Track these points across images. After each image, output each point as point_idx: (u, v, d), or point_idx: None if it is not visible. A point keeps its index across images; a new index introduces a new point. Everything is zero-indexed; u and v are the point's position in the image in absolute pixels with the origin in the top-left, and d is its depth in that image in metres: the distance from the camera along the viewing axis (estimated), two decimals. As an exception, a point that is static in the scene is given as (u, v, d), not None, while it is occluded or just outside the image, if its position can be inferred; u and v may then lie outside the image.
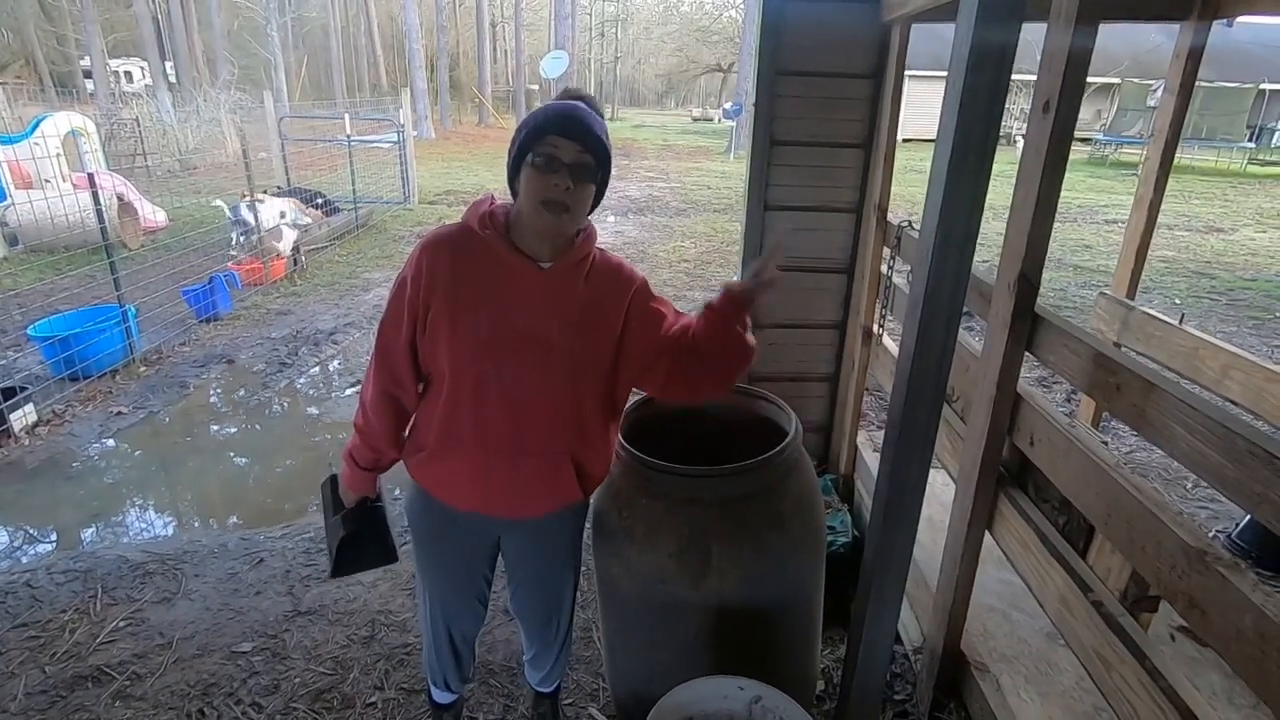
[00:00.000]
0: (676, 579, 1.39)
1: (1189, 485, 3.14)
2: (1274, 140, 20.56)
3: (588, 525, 1.55)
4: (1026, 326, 1.35)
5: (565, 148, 1.19)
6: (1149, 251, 2.31)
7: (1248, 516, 2.55)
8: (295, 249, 6.28)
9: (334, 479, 1.50)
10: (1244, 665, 0.84)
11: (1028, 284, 1.31)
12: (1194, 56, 2.06)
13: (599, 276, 1.31)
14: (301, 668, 2.07)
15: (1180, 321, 2.08)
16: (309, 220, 7.33)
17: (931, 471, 2.51)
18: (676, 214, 9.86)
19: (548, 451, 1.32)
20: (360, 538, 1.46)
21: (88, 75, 24.42)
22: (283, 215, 6.53)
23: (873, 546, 1.21)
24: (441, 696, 1.73)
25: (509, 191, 1.30)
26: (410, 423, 1.40)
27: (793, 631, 1.52)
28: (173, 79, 23.11)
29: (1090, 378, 1.18)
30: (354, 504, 1.46)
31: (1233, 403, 1.86)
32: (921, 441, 1.08)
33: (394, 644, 2.16)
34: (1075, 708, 1.61)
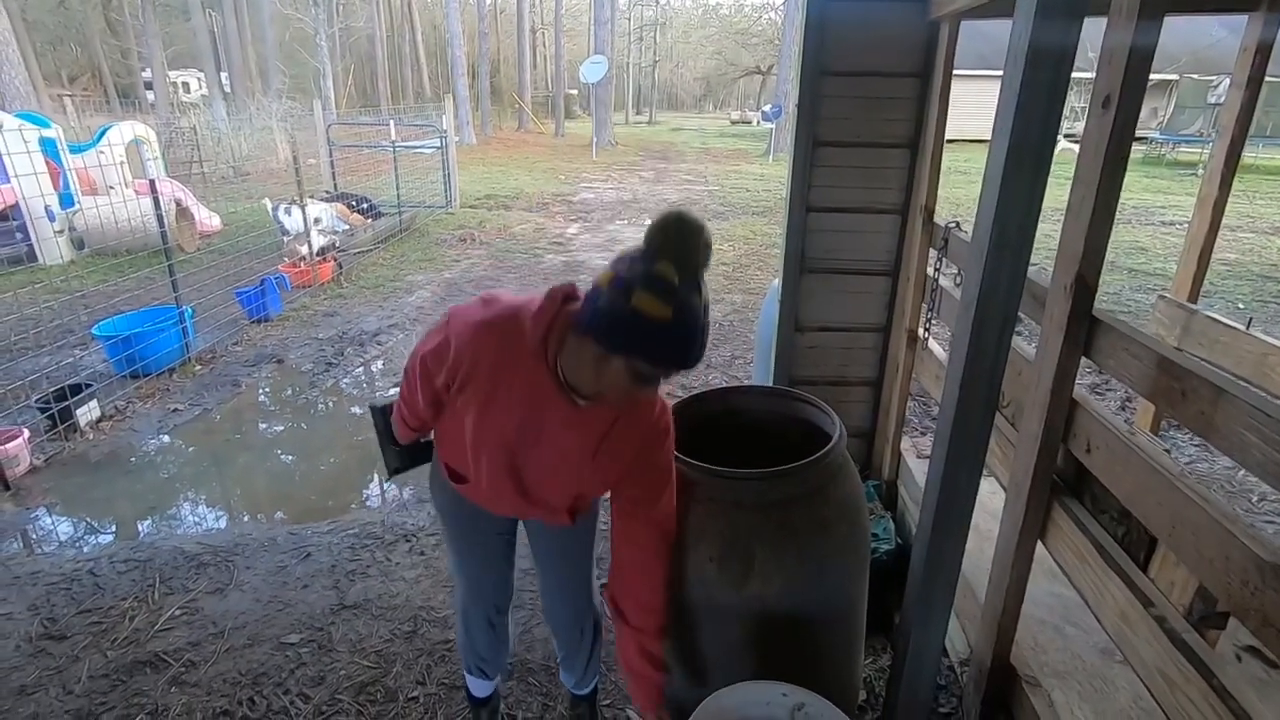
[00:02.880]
0: (718, 582, 1.38)
1: (1254, 499, 3.00)
2: (1346, 137, 19.48)
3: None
4: (1083, 330, 1.30)
5: (666, 377, 1.15)
6: (1212, 254, 2.21)
7: (1320, 532, 2.41)
8: (322, 252, 6.40)
9: (384, 410, 1.55)
10: (1324, 688, 0.79)
11: (1085, 286, 1.27)
12: (1263, 49, 1.97)
13: (628, 419, 1.27)
14: (346, 660, 2.11)
15: (1248, 326, 1.98)
16: (347, 226, 7.50)
17: (982, 482, 2.44)
18: (715, 217, 9.82)
19: (552, 508, 1.41)
20: (410, 464, 1.58)
21: (149, 86, 25.49)
22: (317, 221, 6.68)
23: (921, 554, 1.18)
24: (479, 688, 1.75)
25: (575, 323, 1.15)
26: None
27: (835, 639, 1.50)
28: (227, 89, 23.96)
29: (1153, 383, 1.13)
30: (406, 441, 1.53)
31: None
32: (973, 447, 1.05)
33: (435, 640, 2.19)
34: (1133, 727, 1.55)
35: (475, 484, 1.40)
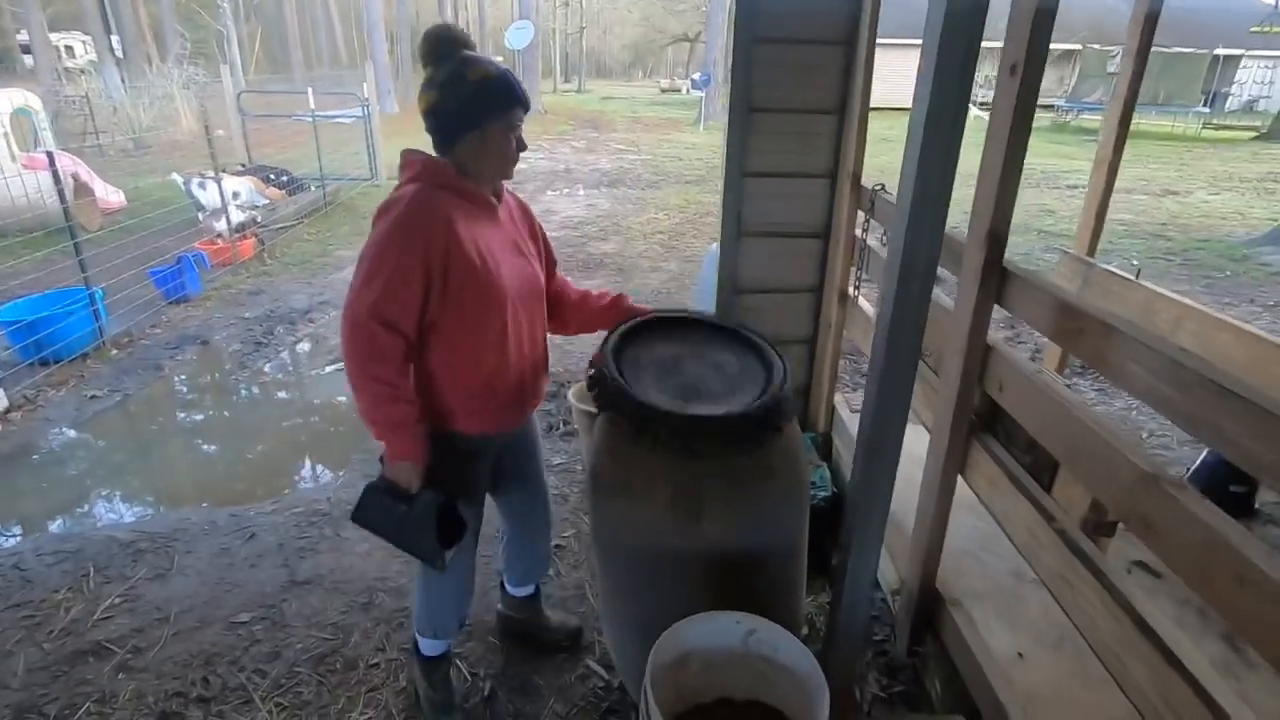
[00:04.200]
0: (671, 528, 1.46)
1: (1145, 435, 3.32)
2: (1228, 105, 21.12)
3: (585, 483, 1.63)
4: (995, 280, 1.43)
5: (522, 117, 1.42)
6: (1108, 213, 2.41)
7: (1199, 460, 2.71)
8: (242, 228, 6.10)
9: (371, 493, 1.44)
10: (1192, 575, 0.94)
11: (997, 239, 1.39)
12: (1151, 19, 2.15)
13: (511, 200, 1.58)
14: (302, 634, 2.11)
15: (1137, 276, 2.19)
16: (266, 200, 7.14)
17: (911, 429, 2.61)
18: (649, 186, 9.85)
19: (544, 347, 1.63)
20: (449, 504, 1.46)
21: (26, 50, 23.23)
22: (236, 195, 6.34)
23: (857, 488, 1.29)
24: (438, 647, 1.81)
25: (435, 146, 1.42)
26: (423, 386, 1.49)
27: (780, 576, 1.61)
28: (119, 54, 22.10)
29: (1055, 325, 1.27)
30: (423, 478, 1.44)
31: (1184, 351, 1.98)
32: (902, 386, 1.16)
33: (392, 608, 2.21)
34: (1041, 637, 1.73)
35: (508, 378, 1.49)
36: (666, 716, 1.29)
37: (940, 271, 1.41)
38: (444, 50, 1.35)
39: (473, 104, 1.34)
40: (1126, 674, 1.06)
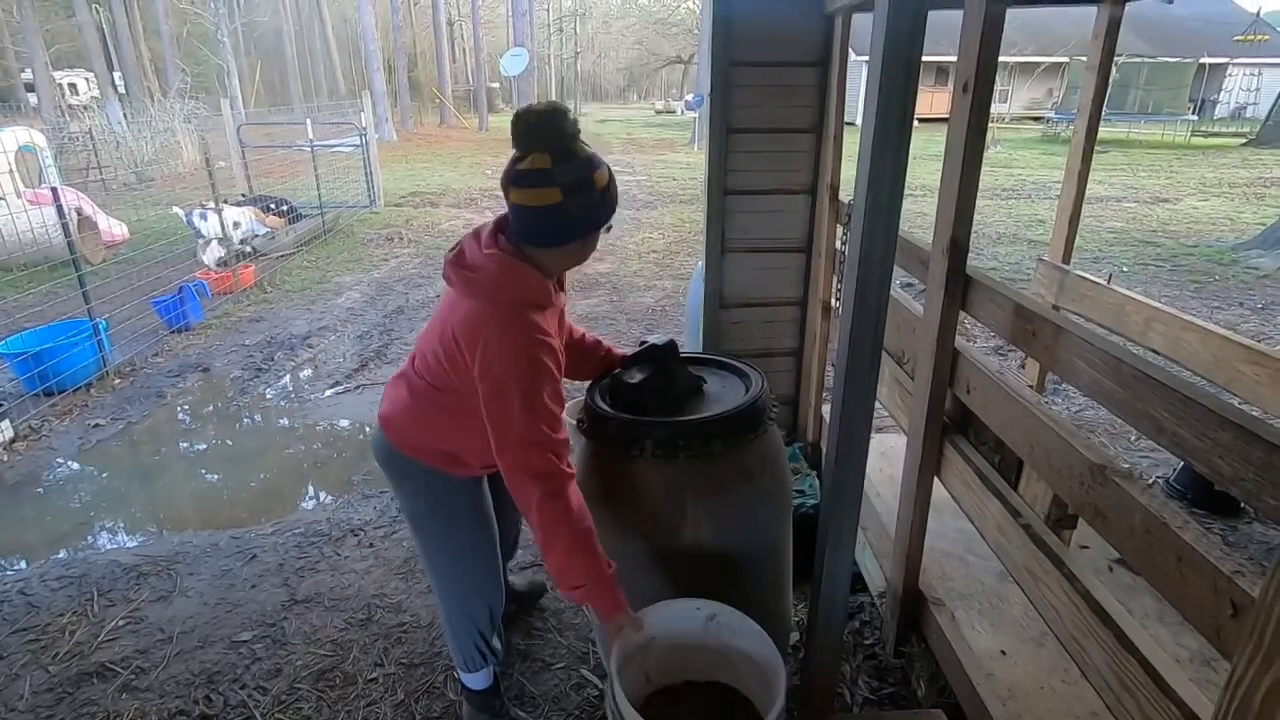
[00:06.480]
0: (656, 532, 1.51)
1: (1133, 438, 3.35)
2: (1215, 112, 21.35)
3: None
4: (960, 287, 1.49)
5: None
6: (1092, 221, 2.48)
7: (1183, 462, 2.75)
8: (244, 257, 6.19)
9: None
10: (1136, 557, 0.98)
11: (958, 247, 1.45)
12: (1111, 34, 2.23)
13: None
14: (302, 651, 2.15)
15: (1108, 281, 2.25)
16: (266, 229, 7.25)
17: (892, 436, 2.66)
18: (644, 206, 9.98)
19: None
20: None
21: (30, 88, 23.68)
22: (237, 225, 6.45)
23: (829, 484, 1.34)
24: (483, 680, 1.81)
25: (530, 240, 1.32)
26: (459, 445, 1.50)
27: (764, 578, 1.65)
28: (122, 89, 22.50)
29: (1013, 328, 1.33)
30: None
31: (1155, 351, 2.03)
32: (865, 383, 1.21)
33: (390, 624, 2.25)
34: (1023, 635, 1.77)
35: None
36: (635, 699, 1.33)
37: (915, 280, 1.47)
38: (553, 137, 1.21)
39: (598, 210, 1.28)
40: (1087, 659, 1.10)
